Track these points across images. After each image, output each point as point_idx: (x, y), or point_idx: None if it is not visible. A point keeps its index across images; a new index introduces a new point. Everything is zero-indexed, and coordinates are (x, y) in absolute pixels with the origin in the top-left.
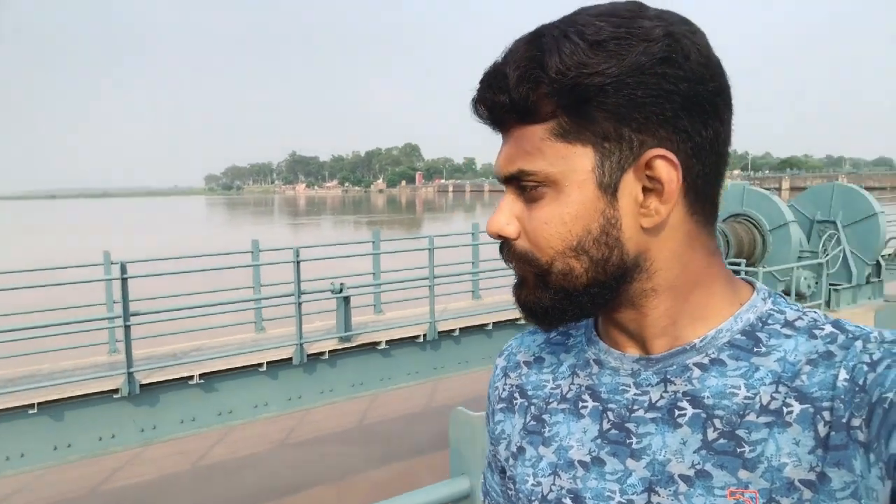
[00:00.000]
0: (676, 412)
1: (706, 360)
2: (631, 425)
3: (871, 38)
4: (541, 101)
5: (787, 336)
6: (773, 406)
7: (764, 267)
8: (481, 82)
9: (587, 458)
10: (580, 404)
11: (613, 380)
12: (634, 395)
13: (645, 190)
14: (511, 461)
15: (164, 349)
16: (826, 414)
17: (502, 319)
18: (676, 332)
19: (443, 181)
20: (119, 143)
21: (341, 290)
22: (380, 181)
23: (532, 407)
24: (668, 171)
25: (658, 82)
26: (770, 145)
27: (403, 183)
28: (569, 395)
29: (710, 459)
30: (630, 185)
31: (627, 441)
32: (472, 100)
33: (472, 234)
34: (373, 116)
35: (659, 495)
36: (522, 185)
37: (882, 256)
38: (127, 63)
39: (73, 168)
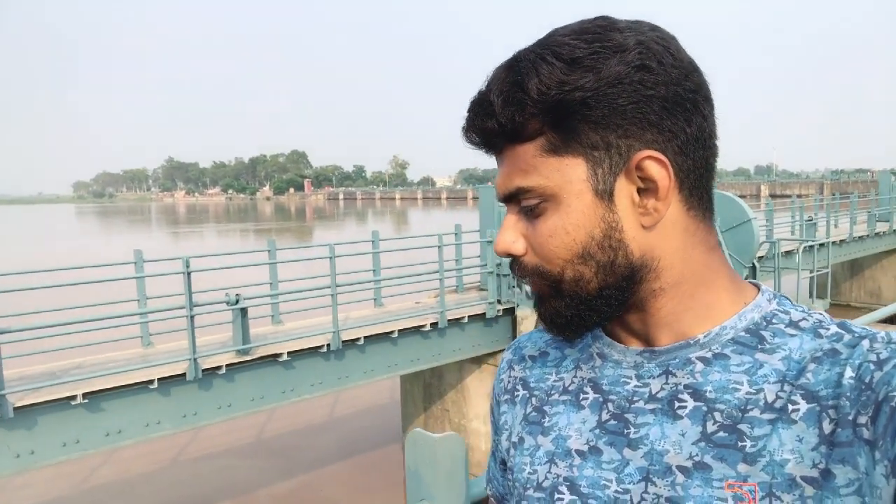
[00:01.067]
0: (677, 404)
1: (709, 355)
2: (630, 416)
3: (718, 51)
4: (527, 122)
5: (792, 335)
6: (777, 404)
7: None
8: (469, 111)
9: (584, 448)
10: (581, 396)
11: (615, 372)
12: (635, 386)
13: (640, 191)
14: (511, 451)
15: (39, 368)
16: (832, 412)
17: (407, 327)
18: (681, 329)
19: (333, 189)
20: None
21: (237, 302)
22: (266, 188)
23: (533, 398)
24: (658, 169)
25: (636, 89)
26: None
27: (292, 190)
28: (570, 388)
29: (709, 451)
30: (625, 189)
31: (625, 431)
32: (463, 128)
33: (373, 241)
34: (254, 120)
35: (656, 485)
36: (523, 204)
37: (756, 259)
38: None
39: None
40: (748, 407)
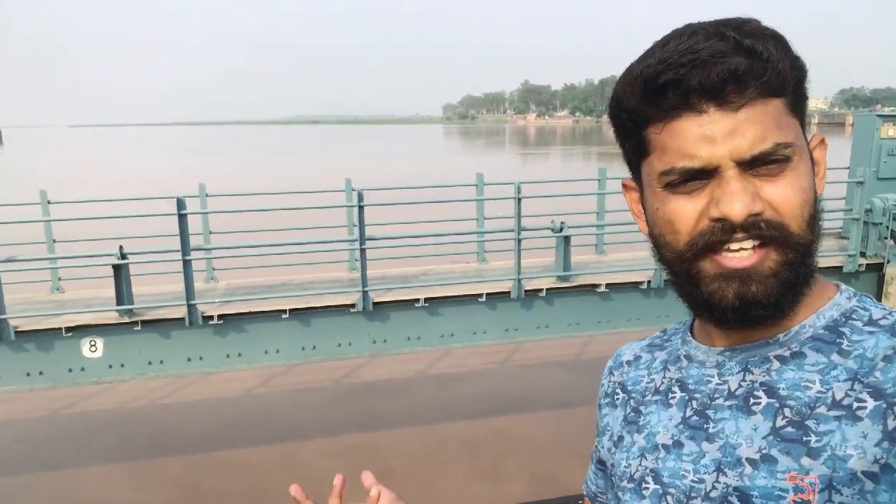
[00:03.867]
0: (752, 400)
1: (787, 354)
2: (710, 412)
3: None
4: (789, 76)
5: (871, 333)
6: (845, 402)
7: None
8: (718, 54)
9: (669, 442)
10: (670, 395)
11: (700, 372)
12: (717, 384)
13: None
14: (612, 449)
15: (394, 271)
16: None
17: None
18: (771, 322)
19: None
20: (372, 74)
21: (561, 230)
22: None
23: (631, 400)
24: (824, 152)
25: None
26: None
27: None
28: (661, 388)
29: (776, 445)
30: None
31: (705, 426)
32: (717, 71)
33: None
34: (608, 38)
35: (726, 475)
36: (767, 160)
37: None
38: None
39: (334, 98)
40: (817, 405)
